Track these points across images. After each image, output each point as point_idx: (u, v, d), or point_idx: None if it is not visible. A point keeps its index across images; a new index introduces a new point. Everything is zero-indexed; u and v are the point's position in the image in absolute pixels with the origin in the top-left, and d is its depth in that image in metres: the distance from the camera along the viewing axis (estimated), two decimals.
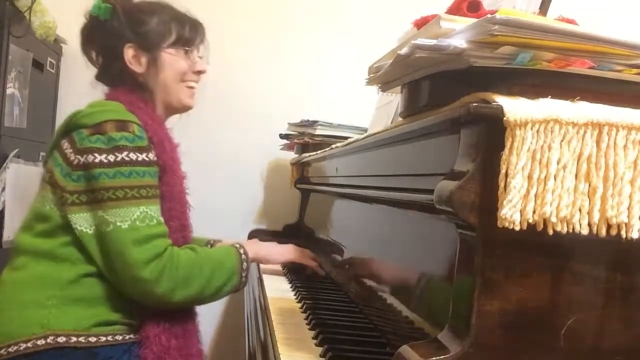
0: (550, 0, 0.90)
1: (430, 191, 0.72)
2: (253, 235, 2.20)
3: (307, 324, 1.17)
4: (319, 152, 1.87)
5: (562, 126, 0.62)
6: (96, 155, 1.20)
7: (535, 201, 0.61)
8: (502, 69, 0.68)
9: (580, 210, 0.62)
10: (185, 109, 1.45)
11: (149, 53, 1.36)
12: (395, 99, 1.50)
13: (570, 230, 0.62)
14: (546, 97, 0.66)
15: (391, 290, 1.05)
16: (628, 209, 0.62)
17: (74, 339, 1.17)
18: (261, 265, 1.75)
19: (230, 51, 2.41)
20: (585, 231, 0.62)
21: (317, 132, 2.11)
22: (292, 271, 1.71)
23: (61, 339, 1.17)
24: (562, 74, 0.69)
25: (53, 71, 2.20)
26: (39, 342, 1.16)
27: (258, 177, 2.51)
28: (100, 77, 1.41)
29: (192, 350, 1.30)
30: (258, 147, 2.46)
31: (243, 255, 1.35)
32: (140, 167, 1.22)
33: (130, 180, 1.20)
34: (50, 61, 2.15)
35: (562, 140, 0.62)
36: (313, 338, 1.07)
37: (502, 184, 0.62)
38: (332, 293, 1.42)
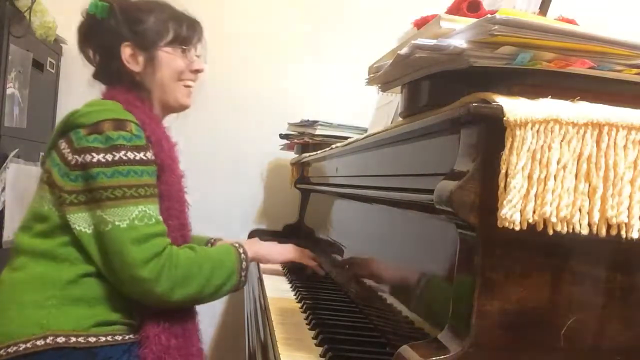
0: (550, 0, 0.90)
1: (430, 191, 0.72)
2: (253, 235, 2.20)
3: (307, 324, 1.17)
4: (319, 152, 1.87)
5: (562, 126, 0.62)
6: (94, 154, 1.20)
7: (535, 201, 0.61)
8: (502, 69, 0.68)
9: (580, 210, 0.62)
10: (182, 108, 1.44)
11: (146, 52, 1.35)
12: (395, 99, 1.50)
13: (570, 230, 0.62)
14: (546, 97, 0.66)
15: (391, 290, 1.05)
16: (628, 209, 0.62)
17: (73, 339, 1.17)
18: (261, 265, 1.75)
19: (230, 51, 2.41)
20: (585, 231, 0.62)
21: (317, 132, 2.11)
22: (292, 271, 1.71)
23: (60, 340, 1.16)
24: (562, 74, 0.69)
25: (53, 71, 2.20)
26: (38, 343, 1.16)
27: (258, 177, 2.51)
28: (97, 76, 1.41)
29: (192, 349, 1.30)
30: (258, 147, 2.46)
31: (242, 255, 1.35)
32: (138, 166, 1.22)
33: (129, 179, 1.20)
34: (50, 61, 2.15)
35: (562, 140, 0.62)
36: (313, 338, 1.07)
37: (502, 184, 0.62)
38: (332, 293, 1.42)
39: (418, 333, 0.85)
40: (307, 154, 2.11)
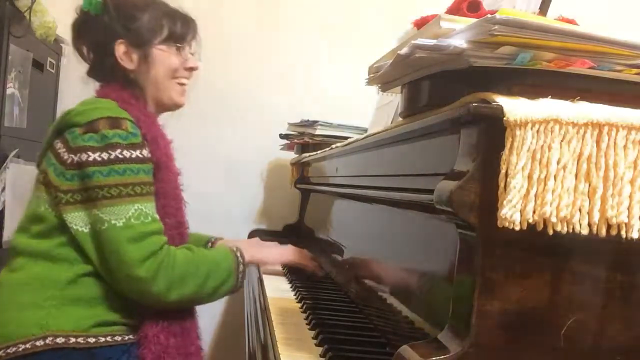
0: (550, 0, 0.90)
1: (430, 191, 0.72)
2: (253, 235, 2.20)
3: (307, 324, 1.16)
4: (319, 152, 1.87)
5: (562, 126, 0.62)
6: (89, 153, 1.20)
7: (535, 201, 0.61)
8: (502, 69, 0.68)
9: (580, 210, 0.62)
10: (175, 106, 1.43)
11: (140, 49, 1.34)
12: (395, 99, 1.50)
13: (570, 230, 0.62)
14: (546, 97, 0.66)
15: (391, 290, 1.05)
16: (628, 209, 0.62)
17: (72, 339, 1.17)
18: None
19: (231, 50, 2.41)
20: (585, 231, 0.62)
21: (317, 132, 2.11)
22: (292, 271, 1.71)
23: (60, 340, 1.16)
24: (562, 74, 0.69)
25: (53, 71, 2.20)
26: (37, 343, 1.16)
27: (258, 177, 2.51)
28: (91, 73, 1.40)
29: (191, 348, 1.30)
30: (258, 147, 2.46)
31: (240, 258, 1.34)
32: (134, 164, 1.21)
33: (125, 177, 1.20)
34: (50, 61, 2.14)
35: (562, 140, 0.62)
36: (313, 338, 1.07)
37: (502, 184, 0.62)
38: (332, 293, 1.42)
39: (418, 333, 0.84)
40: (307, 154, 2.11)
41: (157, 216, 1.24)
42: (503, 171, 0.62)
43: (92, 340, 1.19)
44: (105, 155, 1.19)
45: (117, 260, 1.18)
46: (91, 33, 1.37)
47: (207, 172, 2.38)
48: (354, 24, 2.47)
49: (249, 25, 2.45)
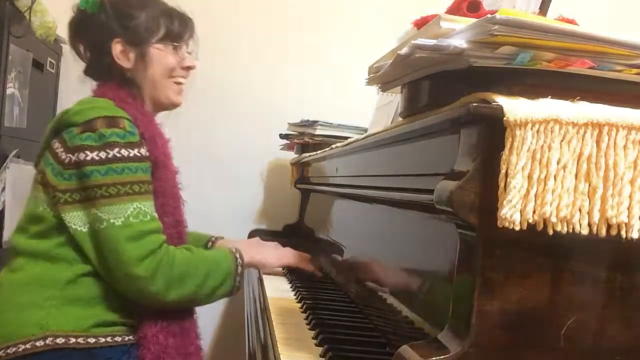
0: (550, 0, 0.90)
1: (430, 191, 0.72)
2: (253, 235, 2.19)
3: (307, 324, 1.16)
4: (319, 152, 1.87)
5: (562, 126, 0.62)
6: (87, 152, 1.19)
7: (535, 201, 0.61)
8: (502, 69, 0.68)
9: (580, 210, 0.62)
10: (172, 106, 1.43)
11: (137, 48, 1.34)
12: (395, 99, 1.50)
13: (570, 230, 0.62)
14: (546, 97, 0.66)
15: (391, 290, 1.05)
16: (628, 209, 0.62)
17: (72, 339, 1.17)
18: None
19: (231, 51, 2.41)
20: (585, 231, 0.62)
21: (317, 132, 2.11)
22: (292, 271, 1.71)
23: (60, 340, 1.16)
24: (562, 74, 0.69)
25: (53, 71, 2.20)
26: (37, 344, 1.15)
27: (258, 177, 2.51)
28: (88, 72, 1.40)
29: (190, 348, 1.29)
30: (258, 147, 2.46)
31: (239, 260, 1.34)
32: (132, 163, 1.21)
33: (123, 176, 1.19)
34: (50, 61, 2.14)
35: (562, 140, 0.62)
36: (313, 338, 1.07)
37: (502, 184, 0.62)
38: (332, 293, 1.42)
39: (418, 333, 0.84)
40: (307, 154, 2.11)
41: (156, 215, 1.24)
42: (503, 171, 0.62)
43: (92, 340, 1.19)
44: (103, 154, 1.19)
45: (116, 259, 1.18)
46: (88, 32, 1.36)
47: (207, 172, 2.38)
48: (354, 24, 2.47)
49: (248, 24, 2.45)
